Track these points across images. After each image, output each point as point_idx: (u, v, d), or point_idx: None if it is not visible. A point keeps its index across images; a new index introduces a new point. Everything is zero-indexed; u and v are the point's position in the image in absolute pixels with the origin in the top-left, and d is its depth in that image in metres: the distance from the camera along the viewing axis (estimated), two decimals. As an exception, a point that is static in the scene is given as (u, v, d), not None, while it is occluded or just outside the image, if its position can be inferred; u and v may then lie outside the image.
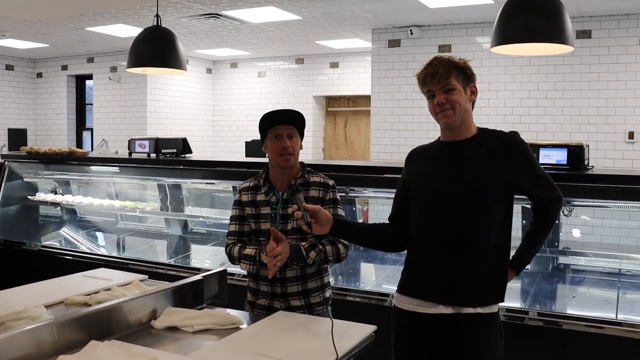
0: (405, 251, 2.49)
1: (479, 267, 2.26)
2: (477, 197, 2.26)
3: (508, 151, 2.28)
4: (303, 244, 2.64)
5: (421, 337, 2.33)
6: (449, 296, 2.27)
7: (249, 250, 2.71)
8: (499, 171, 2.26)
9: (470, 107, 2.33)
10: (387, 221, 2.57)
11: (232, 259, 2.78)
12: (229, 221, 2.88)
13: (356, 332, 2.32)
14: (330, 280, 2.90)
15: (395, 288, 2.45)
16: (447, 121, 2.28)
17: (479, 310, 2.25)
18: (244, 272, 4.02)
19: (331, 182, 2.80)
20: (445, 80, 2.25)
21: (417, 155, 2.48)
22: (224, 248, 2.85)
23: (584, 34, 7.25)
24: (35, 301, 2.54)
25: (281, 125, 2.70)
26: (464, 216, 2.26)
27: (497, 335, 2.32)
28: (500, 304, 2.33)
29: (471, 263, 2.26)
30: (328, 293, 2.84)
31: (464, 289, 2.26)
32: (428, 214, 2.33)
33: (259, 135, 2.77)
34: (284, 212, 2.72)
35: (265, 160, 2.90)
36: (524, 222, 3.55)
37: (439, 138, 2.43)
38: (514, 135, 2.32)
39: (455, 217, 2.27)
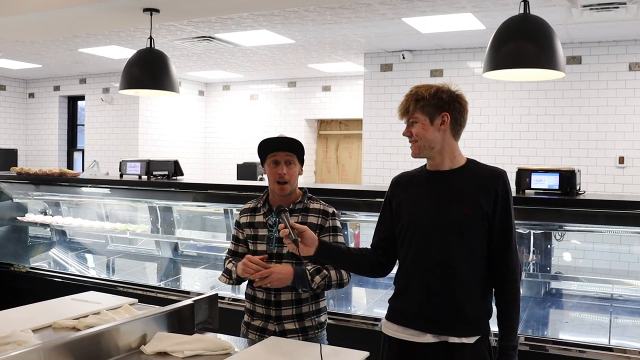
0: (393, 275, 2.48)
1: (465, 298, 2.27)
2: (463, 229, 2.26)
3: (491, 186, 2.27)
4: (309, 267, 2.62)
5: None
6: (435, 326, 2.27)
7: (229, 265, 2.77)
8: (481, 204, 2.25)
9: (443, 136, 2.31)
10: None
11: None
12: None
13: (348, 359, 2.29)
14: (326, 304, 2.87)
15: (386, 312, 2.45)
16: (412, 154, 2.36)
17: (464, 340, 2.25)
18: (235, 296, 4.01)
19: (331, 210, 2.78)
20: (408, 113, 2.33)
21: (404, 183, 2.45)
22: (214, 271, 2.83)
23: (575, 60, 7.33)
24: (22, 325, 2.49)
25: (280, 151, 2.69)
26: (451, 248, 2.27)
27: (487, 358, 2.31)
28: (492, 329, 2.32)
29: (458, 294, 2.26)
30: (323, 317, 2.81)
31: (450, 320, 2.26)
32: (417, 245, 2.33)
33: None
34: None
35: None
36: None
37: (425, 166, 2.43)
38: (502, 174, 2.31)
39: (443, 248, 2.27)
